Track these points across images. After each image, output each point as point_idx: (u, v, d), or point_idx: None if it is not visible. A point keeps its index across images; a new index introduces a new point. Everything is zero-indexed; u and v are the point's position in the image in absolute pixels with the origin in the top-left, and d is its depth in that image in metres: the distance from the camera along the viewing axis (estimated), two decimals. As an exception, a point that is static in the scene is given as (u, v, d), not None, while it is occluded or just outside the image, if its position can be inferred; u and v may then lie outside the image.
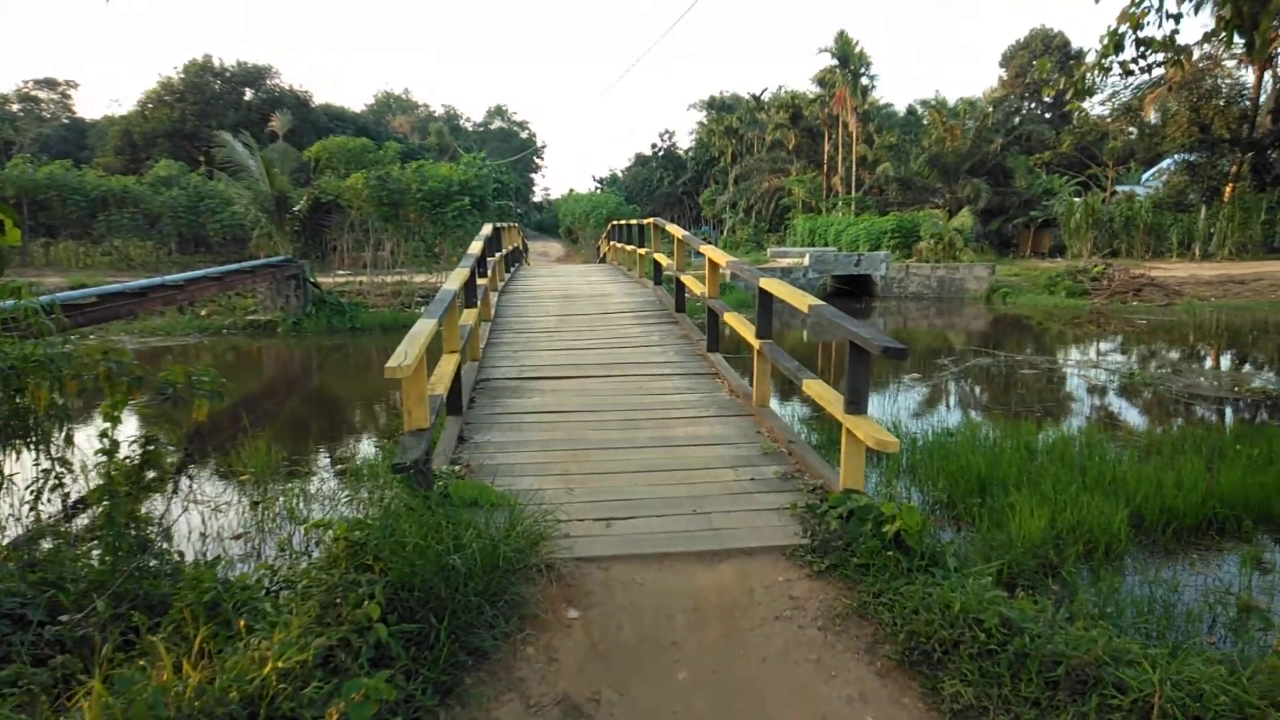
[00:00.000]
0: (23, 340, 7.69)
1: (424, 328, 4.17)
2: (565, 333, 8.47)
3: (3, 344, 7.19)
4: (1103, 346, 15.96)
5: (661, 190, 53.84)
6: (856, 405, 3.94)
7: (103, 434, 4.78)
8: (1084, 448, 7.22)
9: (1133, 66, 5.37)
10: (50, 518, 7.29)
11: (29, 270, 23.99)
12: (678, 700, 2.81)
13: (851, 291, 24.31)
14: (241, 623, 2.85)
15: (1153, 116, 32.39)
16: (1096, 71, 5.53)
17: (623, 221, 16.90)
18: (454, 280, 5.73)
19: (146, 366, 5.03)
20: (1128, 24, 5.30)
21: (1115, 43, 5.27)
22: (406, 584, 3.05)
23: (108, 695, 2.37)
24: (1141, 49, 5.26)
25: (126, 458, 4.83)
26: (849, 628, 3.15)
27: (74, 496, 7.25)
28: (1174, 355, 14.72)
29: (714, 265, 7.05)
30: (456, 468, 4.53)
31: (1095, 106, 36.65)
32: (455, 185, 19.54)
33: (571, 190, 59.70)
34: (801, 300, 4.63)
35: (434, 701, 2.70)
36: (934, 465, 6.53)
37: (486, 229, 9.71)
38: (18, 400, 6.80)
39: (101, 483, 4.87)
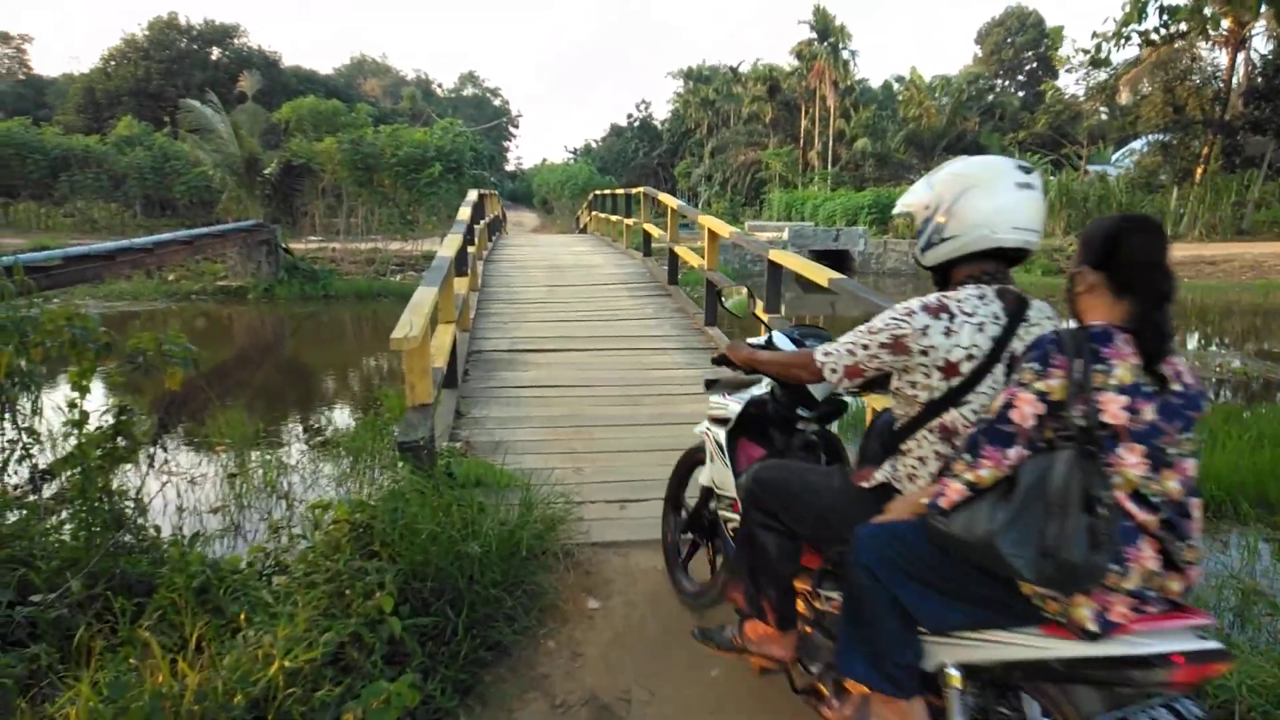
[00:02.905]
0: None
1: (426, 296, 3.92)
2: (555, 304, 8.22)
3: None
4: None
5: (636, 161, 53.22)
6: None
7: (71, 404, 4.49)
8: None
9: (1154, 36, 5.18)
10: (16, 490, 6.95)
11: (-14, 231, 23.12)
12: (713, 699, 2.64)
13: (829, 266, 24.21)
14: (243, 615, 2.61)
15: (1125, 97, 32.55)
16: (1116, 41, 5.33)
17: (607, 191, 16.59)
18: (448, 247, 5.46)
19: (113, 332, 4.73)
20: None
21: (1139, 10, 5.08)
22: (419, 573, 2.84)
23: (96, 700, 2.13)
24: (1165, 17, 5.07)
25: (98, 428, 4.55)
26: (887, 620, 3.00)
27: (42, 468, 6.89)
28: (1152, 335, 14.80)
29: (714, 236, 6.83)
30: (458, 445, 4.30)
31: (1071, 86, 36.85)
32: (431, 151, 19.05)
33: (545, 160, 58.89)
34: (820, 274, 4.43)
35: (454, 702, 2.50)
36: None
37: (472, 195, 9.40)
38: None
39: (72, 454, 4.59)
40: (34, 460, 6.67)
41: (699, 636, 2.66)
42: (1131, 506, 1.64)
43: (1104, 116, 37.65)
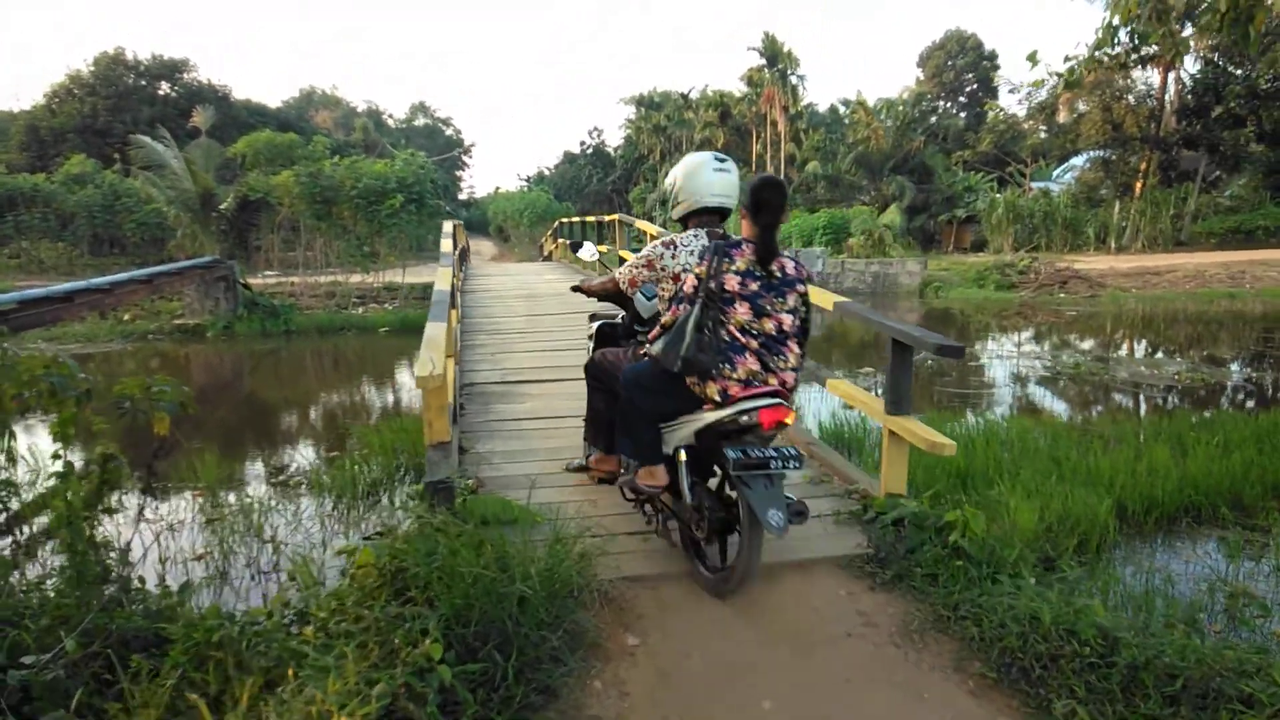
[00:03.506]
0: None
1: (439, 332, 3.88)
2: (539, 333, 8.18)
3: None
4: (1039, 338, 16.42)
5: (590, 188, 53.47)
6: (899, 405, 3.82)
7: (55, 455, 4.34)
8: (1051, 439, 7.27)
9: (1126, 60, 5.39)
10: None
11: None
12: (768, 732, 2.62)
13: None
14: (291, 670, 2.52)
15: (1064, 116, 33.69)
16: (1086, 65, 5.54)
17: (575, 219, 16.59)
18: (443, 280, 5.43)
19: (91, 378, 4.60)
20: (1119, 17, 5.33)
21: (1110, 35, 5.29)
22: (461, 617, 2.78)
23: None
24: (1136, 41, 5.29)
25: (82, 478, 4.41)
26: (928, 644, 3.01)
27: (16, 519, 6.62)
28: (1108, 345, 15.24)
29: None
30: (470, 481, 4.23)
31: (1013, 105, 37.98)
32: (392, 182, 18.89)
33: (498, 188, 58.82)
34: (825, 299, 4.48)
35: (513, 749, 2.45)
36: (913, 459, 6.45)
37: (448, 226, 9.35)
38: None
39: (59, 508, 4.43)
40: (10, 512, 6.40)
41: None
42: (739, 335, 3.12)
43: (1043, 135, 38.91)
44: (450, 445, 3.66)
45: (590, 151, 56.54)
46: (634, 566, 3.47)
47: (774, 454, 3.01)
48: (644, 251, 3.56)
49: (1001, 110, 40.23)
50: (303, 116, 43.05)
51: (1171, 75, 29.99)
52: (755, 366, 3.11)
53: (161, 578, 5.49)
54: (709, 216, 3.53)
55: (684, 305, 3.14)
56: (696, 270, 3.15)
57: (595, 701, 2.75)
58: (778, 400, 3.08)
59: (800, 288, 3.24)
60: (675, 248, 3.46)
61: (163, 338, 17.12)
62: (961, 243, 34.06)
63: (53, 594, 4.32)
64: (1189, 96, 29.98)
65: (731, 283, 3.10)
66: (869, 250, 27.04)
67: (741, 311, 3.10)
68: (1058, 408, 10.06)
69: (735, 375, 3.09)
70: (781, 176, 37.88)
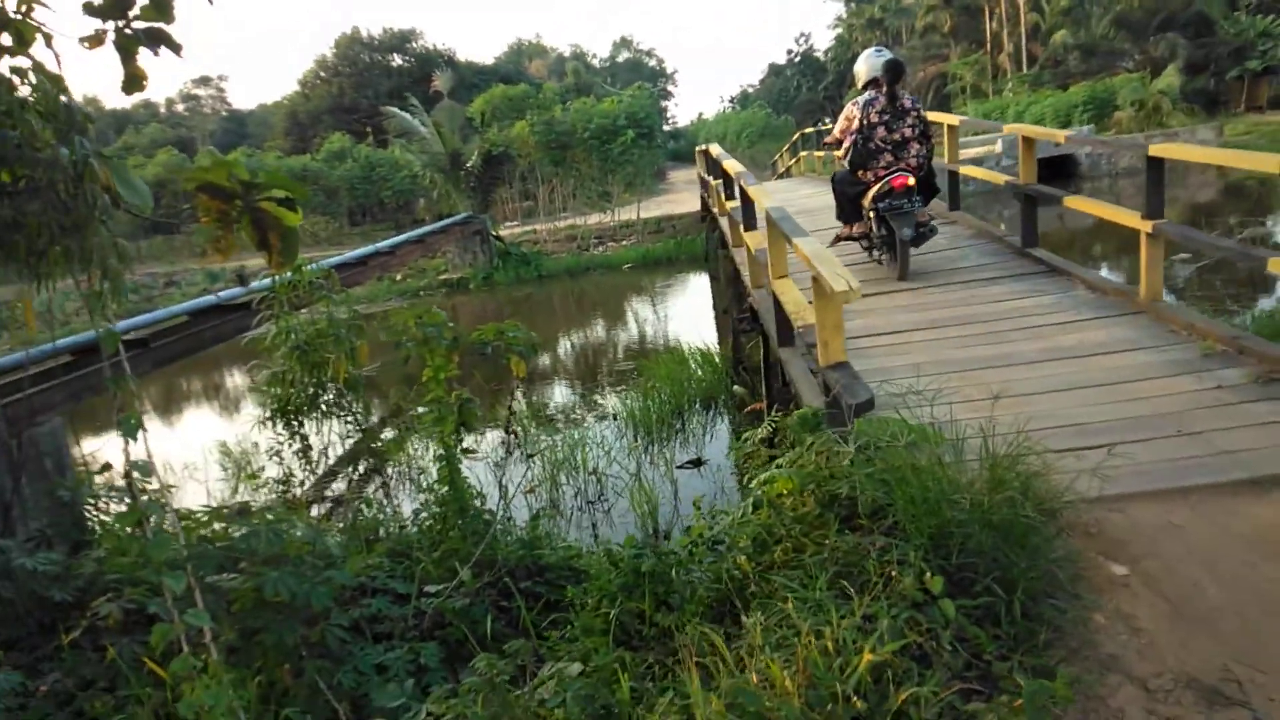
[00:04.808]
0: (295, 311, 7.75)
1: (817, 246, 3.59)
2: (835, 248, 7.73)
3: (292, 319, 7.21)
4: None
5: (800, 98, 51.15)
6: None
7: (433, 399, 4.59)
8: None
9: None
10: (359, 487, 7.42)
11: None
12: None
13: (1051, 174, 21.95)
14: (789, 603, 2.35)
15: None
16: None
17: (825, 125, 15.78)
18: (766, 197, 5.14)
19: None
20: None
21: None
22: (940, 547, 2.52)
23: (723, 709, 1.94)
24: None
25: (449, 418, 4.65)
26: None
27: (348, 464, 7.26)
28: None
29: (1029, 143, 6.13)
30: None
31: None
32: (621, 119, 18.93)
33: (700, 114, 57.78)
34: (1254, 160, 3.71)
35: (1045, 692, 2.16)
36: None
37: (715, 149, 9.07)
38: (316, 374, 6.87)
39: (439, 450, 4.71)
40: (376, 459, 6.96)
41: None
42: (880, 144, 6.22)
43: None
44: (848, 366, 3.38)
45: (798, 60, 54.01)
46: (1088, 486, 3.02)
47: (904, 200, 6.00)
48: (844, 111, 6.63)
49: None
50: (519, 69, 44.35)
51: None
52: (890, 159, 6.16)
53: (505, 510, 5.77)
54: (875, 83, 6.32)
55: (853, 135, 6.28)
56: (858, 117, 6.25)
57: (1106, 639, 2.40)
58: (902, 172, 6.04)
59: (914, 113, 6.21)
60: (859, 104, 6.32)
61: (433, 292, 18.47)
62: (1256, 100, 29.07)
63: (428, 526, 4.62)
64: None
65: (873, 117, 6.18)
66: (1141, 122, 23.75)
67: (880, 132, 6.16)
68: None
69: (879, 166, 6.18)
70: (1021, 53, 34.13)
